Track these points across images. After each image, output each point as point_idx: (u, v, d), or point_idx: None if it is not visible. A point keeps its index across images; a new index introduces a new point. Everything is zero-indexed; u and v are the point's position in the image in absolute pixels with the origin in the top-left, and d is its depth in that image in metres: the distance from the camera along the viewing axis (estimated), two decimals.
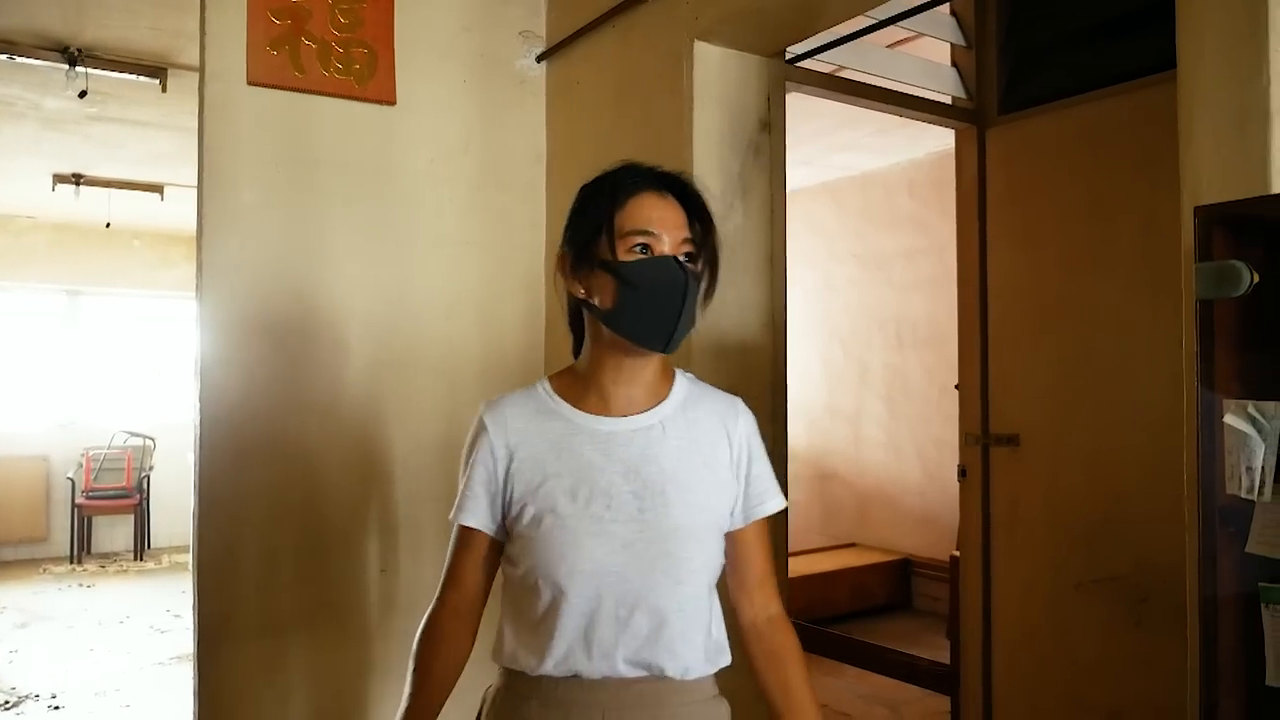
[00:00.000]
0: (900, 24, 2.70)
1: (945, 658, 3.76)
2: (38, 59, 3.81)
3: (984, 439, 2.90)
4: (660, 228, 1.19)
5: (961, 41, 2.97)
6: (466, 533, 1.27)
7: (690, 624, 1.20)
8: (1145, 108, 2.51)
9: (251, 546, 2.46)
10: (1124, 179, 2.56)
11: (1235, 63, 1.28)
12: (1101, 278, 2.61)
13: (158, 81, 4.04)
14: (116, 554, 7.55)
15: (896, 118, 3.43)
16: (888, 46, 2.99)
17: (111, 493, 7.43)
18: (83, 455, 7.49)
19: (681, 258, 1.20)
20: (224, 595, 2.43)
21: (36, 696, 4.25)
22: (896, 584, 5.43)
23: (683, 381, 1.31)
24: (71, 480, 7.35)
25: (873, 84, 2.79)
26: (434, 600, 1.30)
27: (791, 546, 2.49)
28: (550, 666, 1.18)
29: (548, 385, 1.29)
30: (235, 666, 2.42)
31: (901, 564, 5.44)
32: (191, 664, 2.46)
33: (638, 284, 1.17)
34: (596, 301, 1.21)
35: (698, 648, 1.22)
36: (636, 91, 2.49)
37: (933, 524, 5.27)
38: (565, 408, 1.25)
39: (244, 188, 2.47)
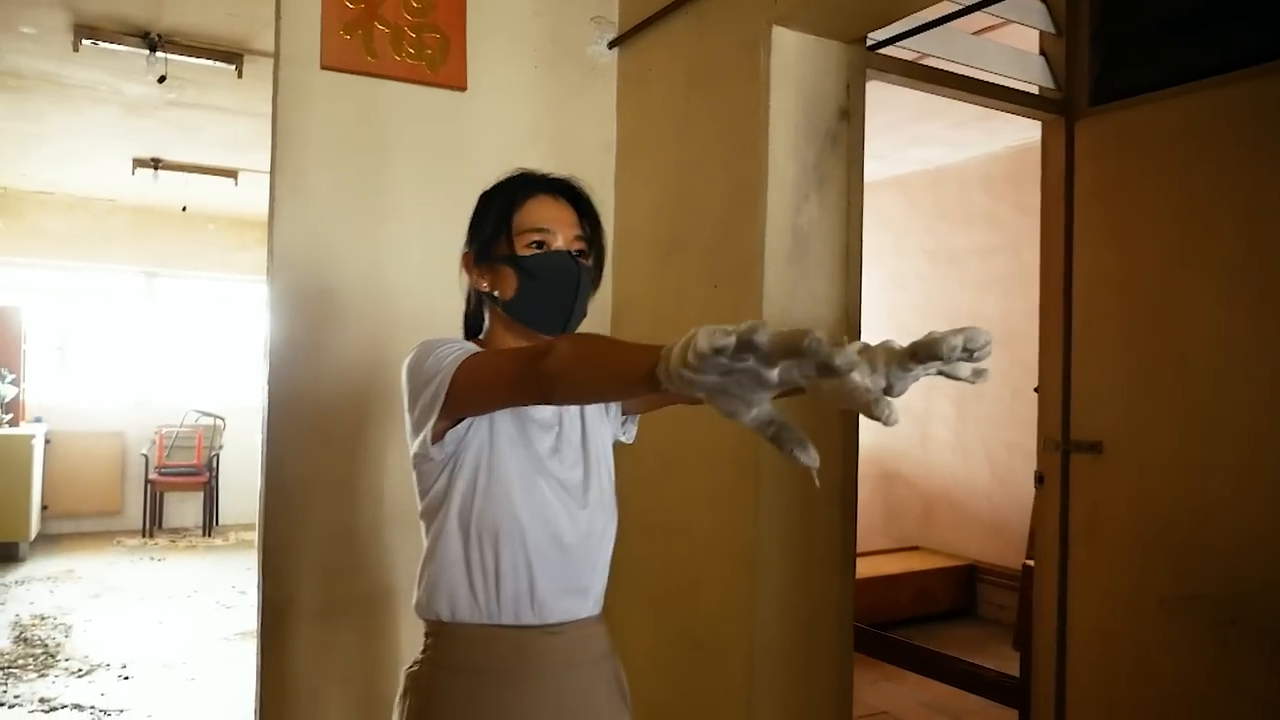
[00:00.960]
0: (987, 10, 2.58)
1: (1011, 668, 3.64)
2: (119, 44, 3.89)
3: (1064, 445, 2.78)
4: (554, 225, 1.33)
5: (1051, 29, 2.83)
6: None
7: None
8: (1249, 100, 2.36)
9: (315, 528, 2.47)
10: (1226, 175, 2.42)
11: None
12: (1197, 279, 2.47)
13: (233, 67, 4.09)
14: (186, 529, 7.76)
15: (973, 110, 3.31)
16: (973, 34, 2.87)
17: (183, 470, 7.63)
18: (156, 433, 7.71)
19: (574, 252, 1.34)
20: (288, 575, 2.44)
21: (108, 666, 4.37)
22: (961, 590, 5.28)
23: None
24: (145, 456, 7.57)
25: (957, 73, 2.68)
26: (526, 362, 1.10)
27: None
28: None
29: None
30: (298, 645, 2.44)
31: (967, 570, 5.29)
32: (255, 641, 2.48)
33: (536, 274, 1.31)
34: (498, 293, 1.35)
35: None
36: (710, 79, 2.43)
37: (1001, 530, 5.11)
38: None
39: (315, 172, 2.48)
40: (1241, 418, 2.36)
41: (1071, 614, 2.80)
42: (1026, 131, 4.15)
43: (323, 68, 2.46)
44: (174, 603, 5.55)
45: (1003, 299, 5.14)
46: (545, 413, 1.35)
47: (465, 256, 1.41)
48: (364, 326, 2.52)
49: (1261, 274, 2.32)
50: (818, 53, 2.27)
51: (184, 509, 7.83)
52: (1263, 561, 2.32)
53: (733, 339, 0.69)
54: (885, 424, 0.70)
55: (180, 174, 6.25)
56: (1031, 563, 3.03)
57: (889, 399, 0.70)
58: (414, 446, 1.30)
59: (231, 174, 6.30)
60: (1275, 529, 2.28)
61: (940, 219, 5.64)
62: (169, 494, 7.72)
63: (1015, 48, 2.79)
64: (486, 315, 1.42)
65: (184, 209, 7.54)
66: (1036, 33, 2.89)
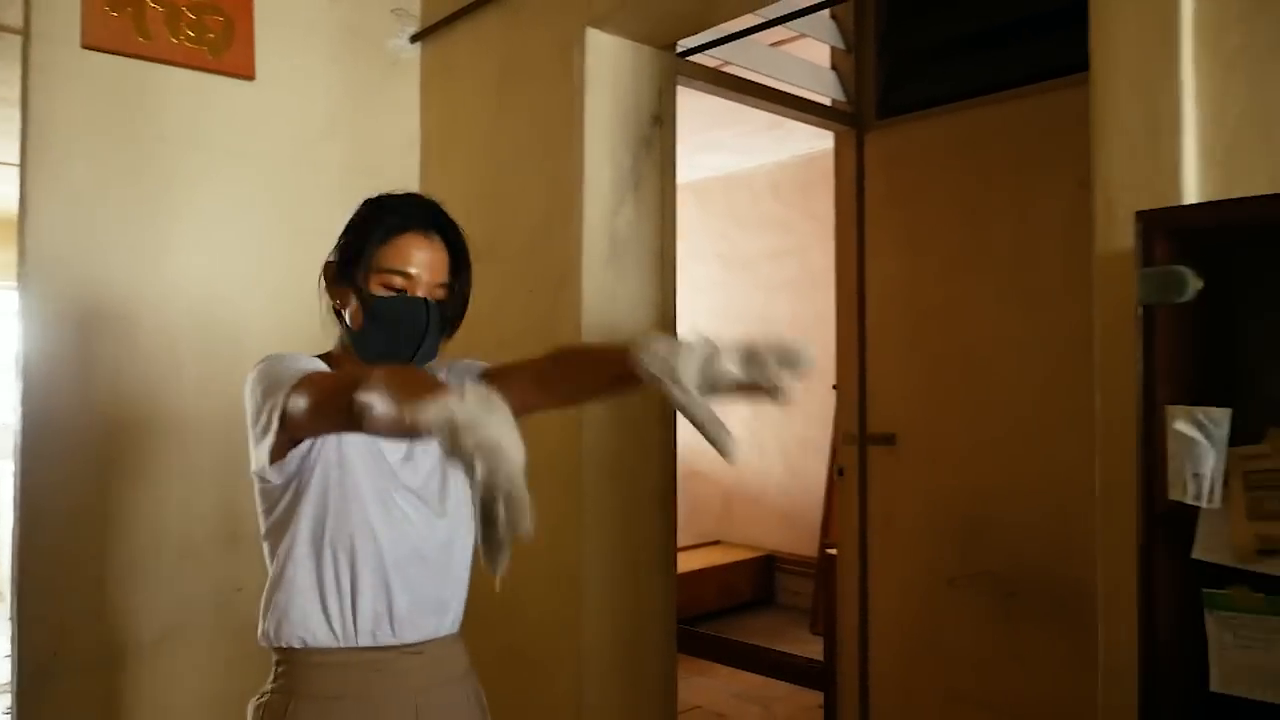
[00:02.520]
0: (785, 24, 2.69)
1: (811, 651, 3.82)
2: None
3: (861, 438, 2.94)
4: (419, 269, 1.28)
5: (841, 45, 3.00)
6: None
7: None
8: (1020, 115, 2.59)
9: (82, 566, 2.19)
10: (997, 185, 2.65)
11: (1148, 68, 1.30)
12: (976, 281, 2.69)
13: None
14: None
15: (763, 119, 3.45)
16: (770, 45, 2.98)
17: None
18: None
19: (429, 301, 1.28)
20: (50, 623, 2.14)
21: None
22: (761, 580, 5.50)
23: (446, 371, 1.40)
24: None
25: (758, 82, 2.78)
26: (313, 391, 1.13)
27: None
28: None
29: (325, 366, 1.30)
30: (63, 704, 2.15)
31: (766, 560, 5.52)
32: (9, 701, 2.17)
33: (382, 318, 1.26)
34: (346, 318, 1.31)
35: None
36: (523, 78, 2.37)
37: (796, 520, 5.37)
38: None
39: (76, 164, 2.20)
40: (1017, 407, 2.59)
41: (871, 596, 2.97)
42: (813, 141, 4.38)
43: (84, 46, 2.19)
44: None
45: (793, 301, 5.40)
46: None
47: (326, 265, 1.35)
48: (139, 337, 2.27)
49: (1030, 275, 2.55)
50: (632, 57, 2.28)
51: None
52: (1037, 539, 2.56)
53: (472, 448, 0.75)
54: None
55: None
56: (832, 551, 3.19)
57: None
58: (254, 465, 1.23)
59: None
60: (1048, 509, 2.52)
61: (733, 224, 5.86)
62: None
63: (810, 62, 2.93)
64: (338, 327, 1.36)
65: None
66: (828, 48, 3.04)
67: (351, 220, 1.35)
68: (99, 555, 2.21)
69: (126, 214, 2.27)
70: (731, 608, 5.22)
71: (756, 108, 2.82)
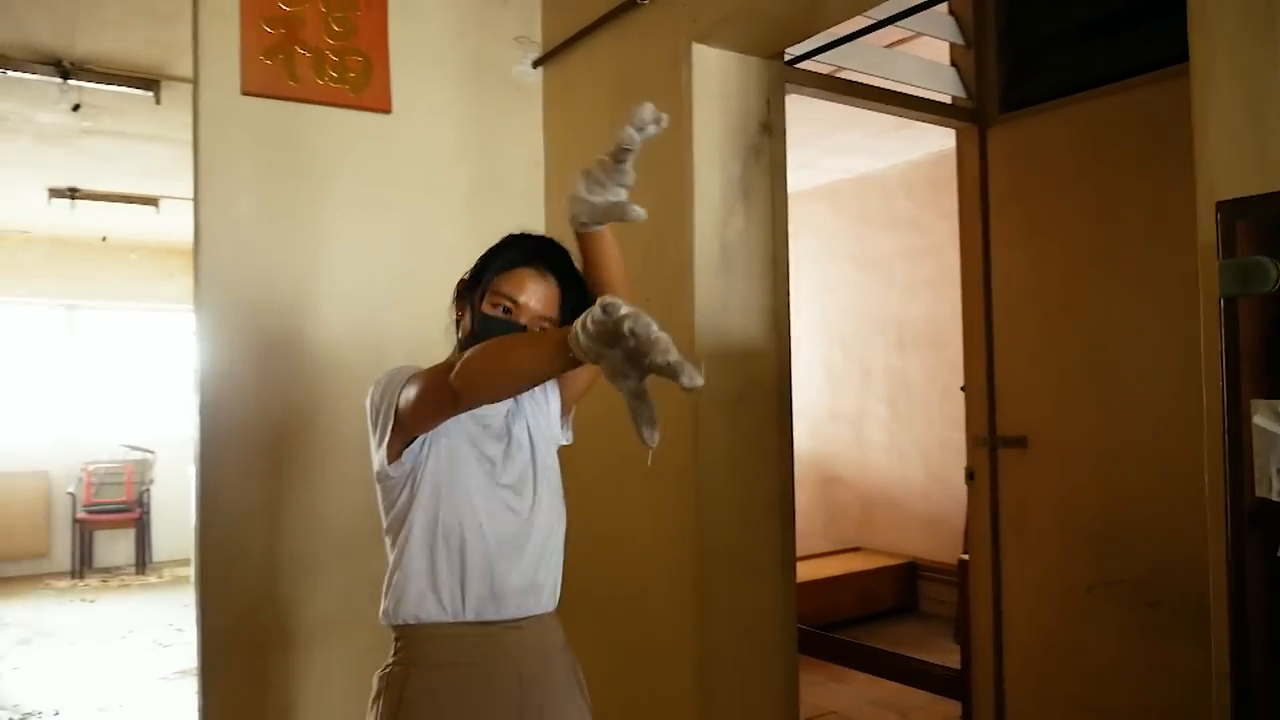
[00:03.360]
0: (899, 24, 2.67)
1: (954, 662, 3.73)
2: (30, 73, 3.79)
3: (991, 441, 2.87)
4: (528, 298, 1.43)
5: (960, 40, 2.94)
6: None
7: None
8: (1147, 104, 2.48)
9: (254, 560, 2.43)
10: (1128, 176, 2.54)
11: (1249, 56, 1.26)
12: (1106, 276, 2.58)
13: (151, 94, 4.01)
14: (118, 568, 7.51)
15: (891, 120, 3.41)
16: (886, 46, 2.96)
17: (112, 507, 7.39)
18: (83, 470, 7.46)
19: (532, 328, 1.42)
20: (227, 609, 2.40)
21: (40, 714, 4.21)
22: (902, 587, 5.39)
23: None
24: (72, 495, 7.32)
25: (872, 84, 2.77)
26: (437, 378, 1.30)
27: (796, 551, 2.47)
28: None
29: None
30: (239, 682, 2.39)
31: (907, 567, 5.40)
32: (195, 679, 2.43)
33: (484, 335, 1.38)
34: (461, 333, 1.48)
35: None
36: (634, 95, 2.46)
37: (939, 526, 5.23)
38: None
39: (240, 198, 2.45)
40: (1153, 406, 2.46)
41: (1006, 604, 2.89)
42: (944, 139, 4.28)
43: (243, 93, 2.44)
44: (107, 645, 5.37)
45: (930, 301, 5.28)
46: (495, 423, 1.47)
47: (459, 282, 1.52)
48: (297, 350, 2.50)
49: (1162, 270, 2.43)
50: (738, 68, 2.33)
51: (115, 547, 7.57)
52: (1179, 545, 2.42)
53: (607, 318, 0.93)
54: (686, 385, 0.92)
55: (99, 203, 6.08)
56: (967, 557, 3.11)
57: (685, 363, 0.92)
58: (375, 466, 1.41)
59: (152, 201, 6.15)
60: (1190, 513, 2.39)
61: (866, 225, 5.78)
62: (98, 532, 7.46)
63: (928, 60, 2.89)
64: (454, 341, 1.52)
65: (104, 239, 7.33)
66: (947, 45, 2.99)
67: (492, 246, 1.51)
68: (269, 550, 2.45)
69: (284, 241, 2.50)
70: (872, 615, 5.14)
71: (872, 110, 2.81)
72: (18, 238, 7.28)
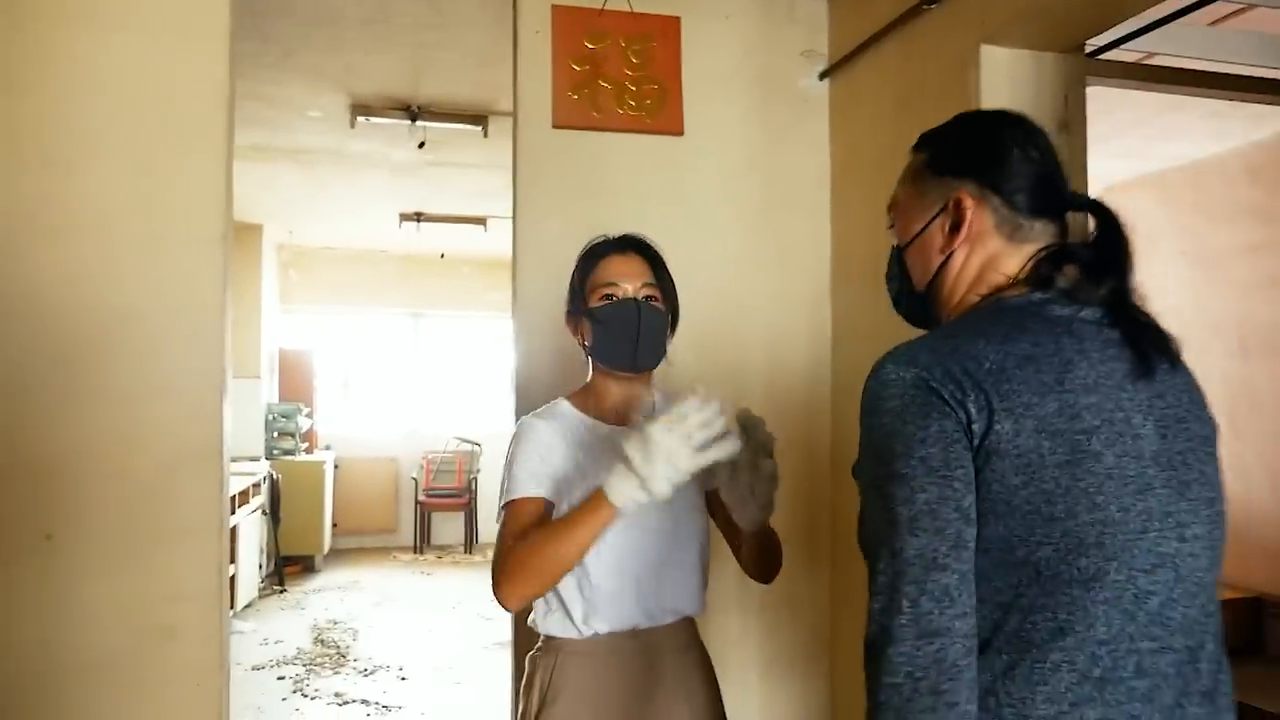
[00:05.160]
0: None
1: None
2: (387, 117, 4.43)
3: None
4: (622, 279, 1.55)
5: None
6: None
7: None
8: None
9: None
10: None
11: None
12: None
13: (480, 128, 4.54)
14: (450, 546, 8.49)
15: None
16: (1210, 24, 2.67)
17: (446, 492, 8.37)
18: (424, 458, 8.52)
19: (641, 299, 1.55)
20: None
21: (388, 668, 4.90)
22: (1245, 625, 4.76)
23: (658, 395, 1.64)
24: (415, 480, 8.38)
25: (1193, 69, 2.52)
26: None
27: None
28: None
29: (568, 404, 1.63)
30: None
31: (1251, 603, 4.76)
32: (509, 651, 2.73)
33: (603, 321, 1.53)
34: (585, 342, 1.59)
35: None
36: (919, 102, 2.44)
37: None
38: (585, 418, 1.60)
39: (550, 219, 2.72)
40: None
41: None
42: None
43: (554, 126, 2.71)
44: (441, 613, 6.11)
45: (1277, 303, 4.63)
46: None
47: (567, 314, 1.66)
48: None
49: None
50: (1031, 67, 2.23)
51: (448, 527, 8.58)
52: None
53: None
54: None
55: (438, 224, 6.93)
56: None
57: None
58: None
59: (481, 221, 6.91)
60: None
61: (1200, 217, 5.17)
62: (435, 514, 8.49)
63: (1263, 33, 2.57)
64: (589, 361, 1.64)
65: (442, 255, 8.33)
66: None
67: (571, 276, 1.65)
68: None
69: None
70: None
71: (1193, 96, 2.55)
72: (376, 255, 8.48)
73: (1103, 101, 2.98)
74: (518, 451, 1.54)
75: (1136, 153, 5.01)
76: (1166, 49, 2.49)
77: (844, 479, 2.73)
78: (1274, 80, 2.58)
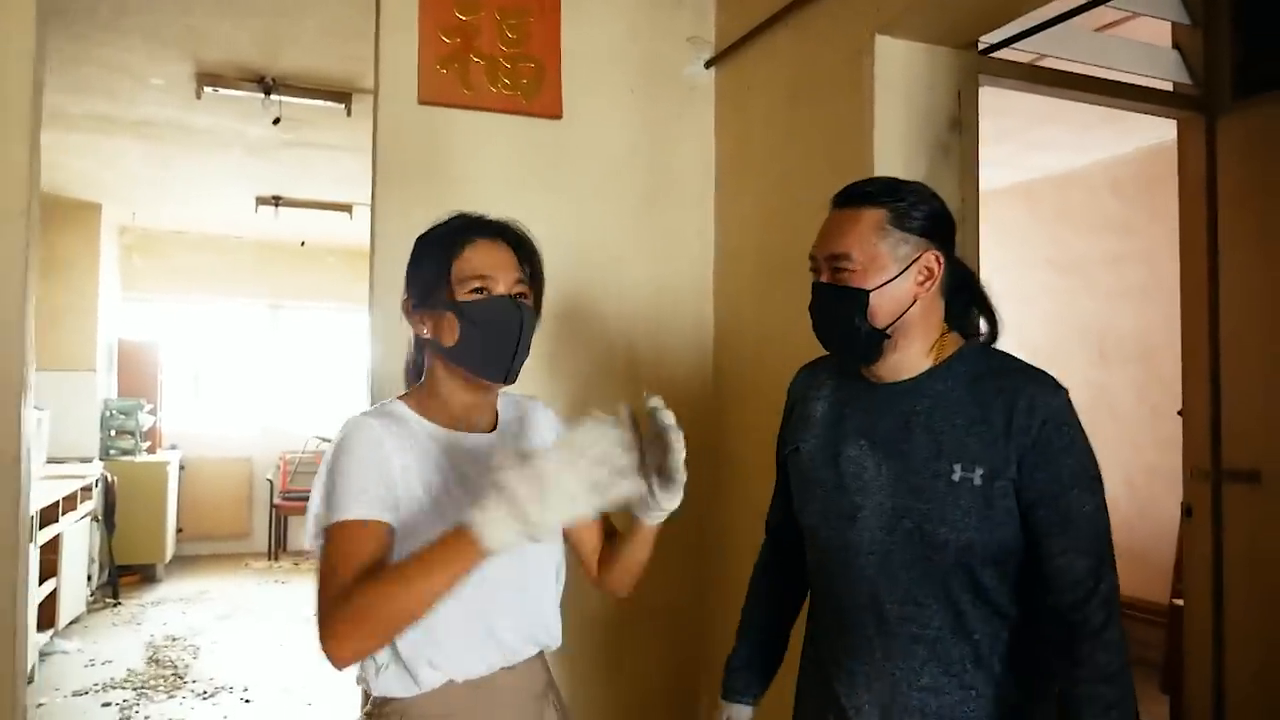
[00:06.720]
0: (1111, 4, 2.40)
1: (1156, 715, 3.34)
2: (238, 90, 4.05)
3: (1215, 474, 2.53)
4: (495, 271, 1.31)
5: (1185, 19, 2.61)
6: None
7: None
8: None
9: None
10: None
11: None
12: None
13: (343, 106, 4.21)
14: (309, 552, 8.01)
15: (1100, 112, 3.09)
16: (1096, 30, 2.67)
17: (305, 494, 7.86)
18: (280, 458, 8.01)
19: (515, 296, 1.32)
20: None
21: (231, 689, 4.51)
22: None
23: (503, 401, 1.45)
24: (270, 481, 7.88)
25: (1079, 73, 2.50)
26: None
27: None
28: None
29: (405, 406, 1.37)
30: None
31: None
32: None
33: (478, 322, 1.29)
34: (442, 339, 1.32)
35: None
36: (812, 93, 2.32)
37: (1143, 561, 4.74)
38: (428, 425, 1.35)
39: (414, 205, 2.48)
40: None
41: (1229, 657, 2.54)
42: (1161, 130, 3.87)
43: (420, 102, 2.47)
44: (295, 625, 5.71)
45: (1137, 311, 4.81)
46: None
47: (404, 303, 1.39)
48: None
49: None
50: (926, 60, 2.14)
51: (306, 533, 8.09)
52: None
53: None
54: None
55: (299, 210, 6.50)
56: (1180, 602, 2.77)
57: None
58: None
59: (346, 208, 6.52)
60: None
61: (1066, 227, 5.34)
62: (292, 518, 8.00)
63: (1145, 43, 2.58)
64: (427, 359, 1.40)
65: (303, 243, 7.84)
66: (1169, 25, 2.67)
67: (413, 255, 1.39)
68: None
69: None
70: None
71: (1079, 101, 2.53)
72: (230, 242, 7.91)
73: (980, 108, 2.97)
74: (349, 460, 1.27)
75: (1007, 162, 5.13)
76: (1056, 52, 2.45)
77: (726, 475, 2.61)
78: (1156, 90, 2.59)
